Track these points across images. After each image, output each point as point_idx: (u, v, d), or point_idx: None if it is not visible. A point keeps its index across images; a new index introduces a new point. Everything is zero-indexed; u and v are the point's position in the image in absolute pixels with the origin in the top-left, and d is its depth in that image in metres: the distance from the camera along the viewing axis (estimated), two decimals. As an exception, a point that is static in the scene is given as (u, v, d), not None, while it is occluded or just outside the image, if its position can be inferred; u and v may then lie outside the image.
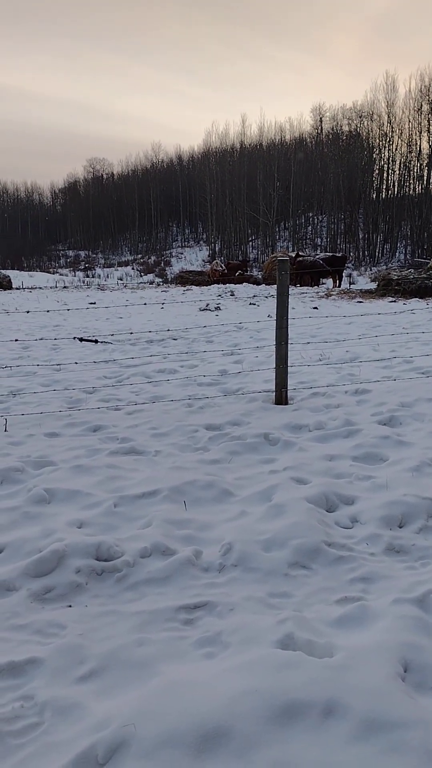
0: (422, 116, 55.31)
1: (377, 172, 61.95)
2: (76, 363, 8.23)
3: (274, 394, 5.86)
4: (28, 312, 7.95)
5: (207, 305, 16.15)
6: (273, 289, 23.41)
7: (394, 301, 17.13)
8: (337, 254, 27.59)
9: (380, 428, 4.72)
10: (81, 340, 10.51)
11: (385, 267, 41.93)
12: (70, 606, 2.56)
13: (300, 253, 27.74)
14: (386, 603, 2.42)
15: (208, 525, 3.23)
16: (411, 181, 58.11)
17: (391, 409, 5.19)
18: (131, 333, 11.77)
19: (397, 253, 55.14)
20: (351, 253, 59.45)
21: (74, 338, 10.34)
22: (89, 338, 10.62)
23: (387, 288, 19.68)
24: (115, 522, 3.24)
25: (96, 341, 10.58)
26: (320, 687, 1.91)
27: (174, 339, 11.38)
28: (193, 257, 79.81)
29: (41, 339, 10.37)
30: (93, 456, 4.30)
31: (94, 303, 10.77)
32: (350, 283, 34.28)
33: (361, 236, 61.32)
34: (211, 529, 3.18)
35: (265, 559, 2.83)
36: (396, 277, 19.71)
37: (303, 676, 1.96)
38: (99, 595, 2.64)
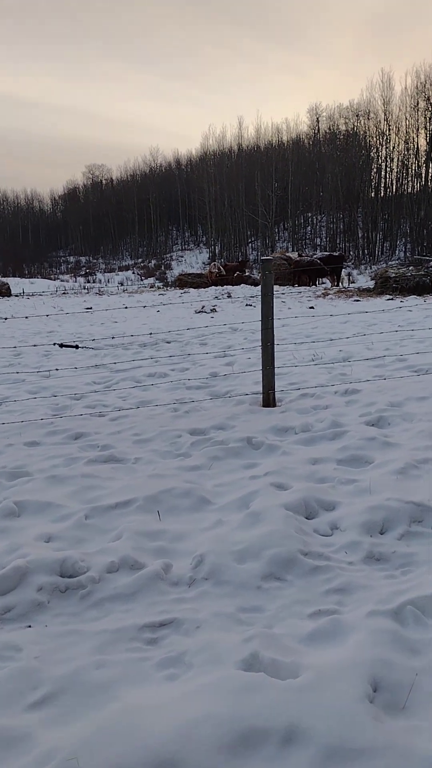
0: (419, 113, 55.15)
1: (375, 170, 61.77)
2: (65, 369, 8.12)
3: (261, 396, 5.74)
4: (26, 317, 7.83)
5: (203, 307, 16.04)
6: (271, 290, 23.29)
7: (392, 299, 16.99)
8: (335, 253, 27.45)
9: (368, 429, 4.59)
10: (61, 346, 10.41)
11: (385, 265, 41.70)
12: (30, 626, 2.43)
13: (300, 254, 27.59)
14: (361, 616, 2.29)
15: (182, 535, 3.10)
16: (409, 178, 57.92)
17: (380, 410, 5.06)
18: (124, 336, 11.67)
19: (396, 251, 54.95)
20: (351, 252, 59.27)
21: (54, 344, 10.23)
22: (70, 344, 10.51)
23: (385, 286, 19.53)
24: (84, 535, 3.12)
25: (77, 347, 10.47)
26: (280, 711, 1.79)
27: (167, 342, 11.27)
28: (193, 260, 79.80)
29: (34, 345, 10.27)
30: (70, 465, 4.18)
31: (91, 308, 10.66)
32: (351, 282, 34.13)
33: (360, 235, 61.15)
34: (184, 540, 3.06)
35: (237, 572, 2.71)
36: (393, 275, 19.56)
37: (263, 699, 1.84)
38: (61, 614, 2.52)
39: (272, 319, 5.66)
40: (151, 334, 11.77)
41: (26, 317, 6.73)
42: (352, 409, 5.25)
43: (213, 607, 2.49)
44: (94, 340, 9.25)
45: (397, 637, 2.15)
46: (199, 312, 15.79)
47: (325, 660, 2.04)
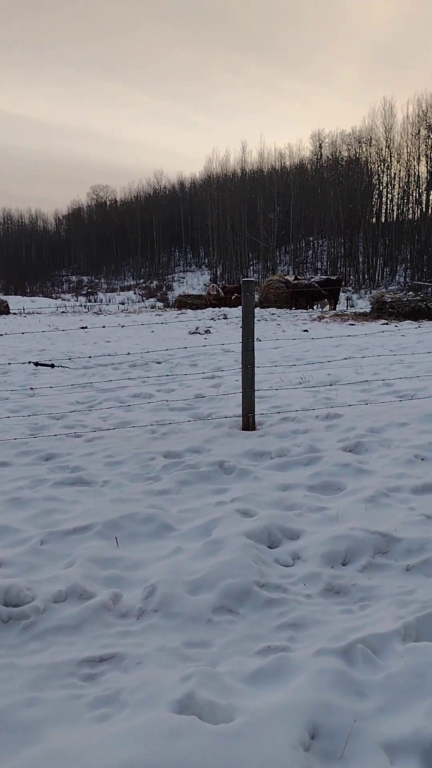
0: (420, 141, 55.77)
1: (376, 196, 62.32)
2: (50, 387, 8.05)
3: (241, 419, 5.65)
4: (23, 333, 7.77)
5: (197, 328, 16.01)
6: (268, 312, 23.32)
7: (387, 324, 16.96)
8: (332, 277, 27.53)
9: (344, 455, 4.49)
10: (36, 364, 10.35)
11: (384, 289, 41.79)
12: (-36, 658, 2.32)
13: (297, 277, 27.68)
14: (309, 654, 2.18)
15: (138, 564, 2.99)
16: (410, 204, 58.40)
17: (359, 435, 4.97)
18: (115, 356, 11.61)
19: (396, 276, 55.19)
20: (351, 277, 59.58)
21: (29, 362, 10.17)
22: (45, 363, 10.45)
23: (381, 311, 19.53)
24: (37, 561, 3.01)
25: (52, 365, 10.40)
26: (207, 760, 1.67)
27: (158, 362, 11.20)
28: (194, 281, 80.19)
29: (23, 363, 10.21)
30: (35, 487, 4.08)
31: (86, 327, 10.63)
32: (350, 306, 34.27)
33: (360, 260, 61.48)
34: (139, 569, 2.95)
35: (189, 603, 2.59)
36: (389, 300, 19.57)
37: (191, 746, 1.72)
38: (0, 646, 2.40)
39: (253, 341, 5.59)
40: (145, 354, 11.72)
41: (23, 333, 6.68)
42: (331, 434, 5.15)
43: (158, 641, 2.38)
44: (90, 358, 9.19)
45: (343, 679, 2.03)
46: (193, 333, 15.76)
47: (263, 702, 1.93)
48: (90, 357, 7.61)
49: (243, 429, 5.56)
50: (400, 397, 6.72)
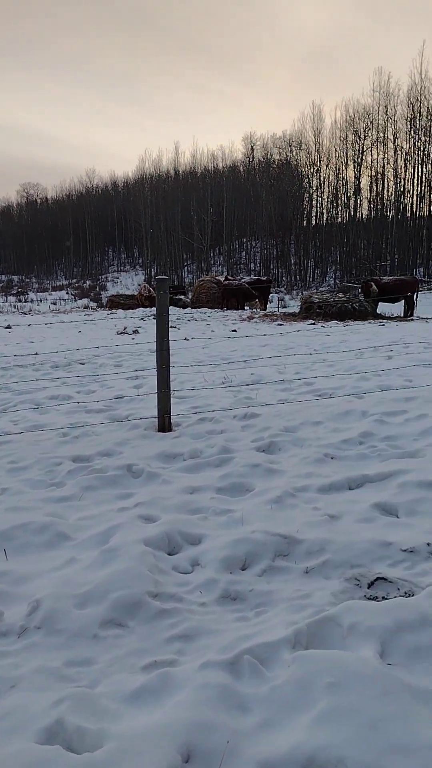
0: (348, 146, 57.13)
1: (307, 199, 63.42)
2: (-39, 391, 7.66)
3: (157, 420, 5.51)
4: None
5: (125, 328, 15.75)
6: (199, 313, 23.26)
7: (314, 324, 17.20)
8: (262, 278, 27.77)
9: (256, 455, 4.42)
10: None
11: (316, 290, 42.56)
12: None
13: (228, 277, 27.76)
14: (195, 668, 2.07)
15: (26, 577, 2.81)
16: (339, 208, 59.75)
17: (273, 434, 4.92)
18: (37, 356, 11.25)
19: (327, 278, 56.31)
20: (283, 278, 60.41)
21: None
22: None
23: (309, 311, 19.80)
24: None
25: None
26: (65, 796, 1.52)
27: (81, 363, 10.91)
28: (129, 281, 79.36)
29: None
30: None
31: (10, 327, 10.19)
32: (282, 306, 34.63)
33: (292, 261, 62.43)
34: (27, 583, 2.76)
35: (75, 618, 2.43)
36: (317, 301, 19.86)
37: (49, 781, 1.57)
38: None
39: (168, 340, 5.46)
40: (68, 354, 11.39)
41: None
42: (246, 434, 5.08)
43: (38, 660, 2.21)
44: (13, 357, 8.81)
45: (226, 693, 1.93)
46: (121, 333, 15.49)
47: (137, 725, 1.80)
48: (9, 356, 7.27)
49: (159, 430, 5.42)
50: (319, 396, 6.74)
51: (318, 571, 2.77)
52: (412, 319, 19.32)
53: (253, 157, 73.80)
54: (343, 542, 2.94)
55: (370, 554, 2.86)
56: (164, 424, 5.44)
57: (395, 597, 2.51)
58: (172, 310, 24.04)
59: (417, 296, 21.55)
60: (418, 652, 2.10)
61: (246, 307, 25.42)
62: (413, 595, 2.51)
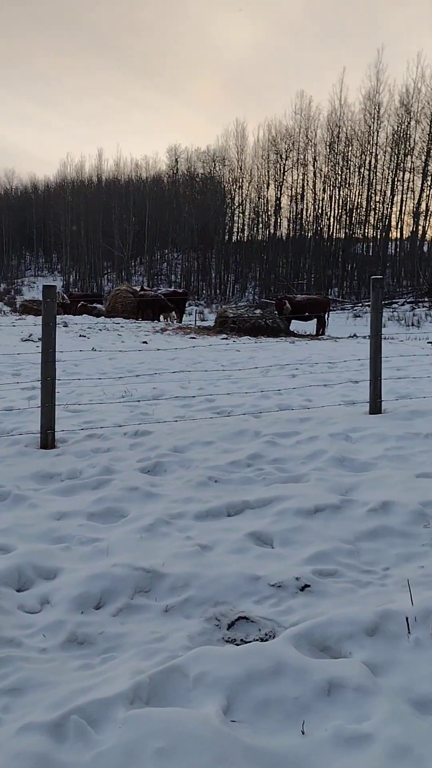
0: (270, 165, 58.30)
1: (229, 215, 64.18)
2: None
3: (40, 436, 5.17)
4: None
5: (30, 335, 15.14)
6: (112, 322, 22.81)
7: (226, 339, 17.21)
8: (179, 290, 27.70)
9: (138, 477, 4.19)
10: None
11: (235, 305, 42.89)
12: None
13: (144, 288, 27.48)
14: (12, 731, 1.80)
15: None
16: (260, 225, 60.83)
17: (161, 454, 4.70)
18: None
19: (246, 293, 57.04)
20: (204, 291, 60.70)
21: None
22: None
23: (223, 325, 19.84)
24: None
25: None
26: None
27: (-24, 372, 10.32)
28: (46, 287, 77.18)
29: None
30: None
31: None
32: (202, 319, 34.68)
33: (213, 275, 62.89)
34: None
35: None
36: (232, 315, 19.95)
37: None
38: None
39: (53, 351, 5.16)
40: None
41: None
42: (133, 453, 4.84)
43: None
44: None
45: (43, 764, 1.68)
46: (26, 340, 14.87)
47: None
48: None
49: (41, 447, 5.09)
50: (218, 413, 6.60)
51: (179, 610, 2.56)
52: (323, 338, 19.74)
53: (177, 170, 74.03)
54: (210, 577, 2.76)
55: (237, 590, 2.69)
56: (47, 440, 5.12)
57: (254, 640, 2.35)
58: (85, 318, 23.47)
59: (328, 315, 22.07)
60: (267, 706, 1.93)
61: (162, 319, 25.22)
62: (274, 637, 2.36)
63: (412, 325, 30.92)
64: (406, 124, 44.52)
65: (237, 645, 2.31)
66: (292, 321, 21.10)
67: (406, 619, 2.32)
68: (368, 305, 30.41)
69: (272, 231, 58.29)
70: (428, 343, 16.97)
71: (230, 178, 63.69)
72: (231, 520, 3.48)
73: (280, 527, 3.29)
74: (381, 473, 4.07)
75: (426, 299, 36.98)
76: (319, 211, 53.89)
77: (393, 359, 10.61)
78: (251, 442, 5.09)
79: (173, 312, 25.58)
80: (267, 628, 2.42)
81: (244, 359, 12.10)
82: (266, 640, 2.32)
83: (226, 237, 64.03)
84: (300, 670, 2.04)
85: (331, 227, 53.60)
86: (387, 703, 1.91)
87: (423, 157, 43.83)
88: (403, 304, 36.74)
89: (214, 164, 65.62)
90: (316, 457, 4.61)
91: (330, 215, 53.72)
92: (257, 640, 2.34)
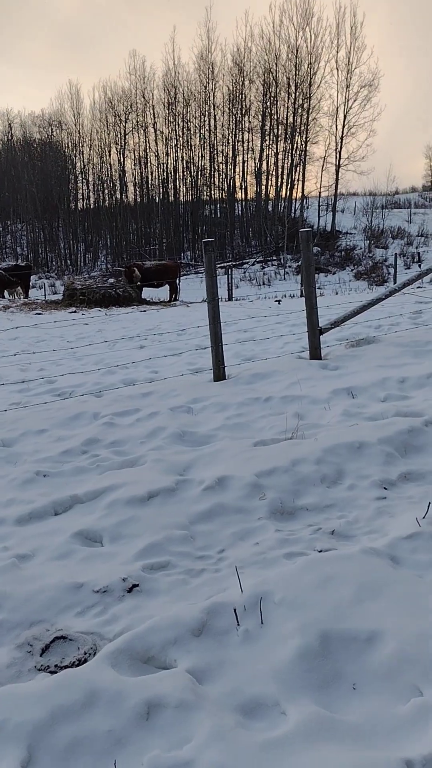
0: (110, 128, 56.44)
1: (73, 181, 61.59)
2: None
3: None
4: None
5: None
6: None
7: (75, 312, 16.50)
8: (21, 263, 26.19)
9: None
10: None
11: (87, 275, 41.47)
12: None
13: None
14: None
15: None
16: (106, 191, 59.04)
17: (-15, 451, 4.24)
18: None
19: (98, 263, 55.47)
20: (54, 262, 58.23)
21: None
22: None
23: (72, 298, 19.00)
24: None
25: None
26: None
27: None
28: None
29: None
30: None
31: None
32: (53, 293, 33.15)
33: (62, 245, 60.39)
34: None
35: None
36: (80, 287, 19.15)
37: None
38: None
39: None
40: None
41: None
42: None
43: None
44: None
45: None
46: None
47: None
48: None
49: None
50: (58, 395, 6.19)
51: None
52: (175, 304, 19.57)
53: (12, 135, 69.50)
54: (26, 593, 2.45)
55: (57, 604, 2.41)
56: None
57: (71, 663, 2.08)
58: None
59: (179, 281, 21.92)
60: (75, 749, 1.68)
61: (6, 296, 23.72)
62: (95, 654, 2.11)
63: (263, 284, 31.70)
64: (240, 83, 44.79)
65: (52, 672, 2.04)
66: (144, 288, 20.69)
67: (234, 610, 2.17)
68: (221, 267, 30.63)
69: (119, 197, 56.85)
70: (276, 301, 17.37)
71: (70, 143, 60.98)
72: (57, 519, 3.16)
73: (111, 521, 3.03)
74: (219, 446, 3.93)
75: (274, 258, 38.05)
76: (165, 175, 53.26)
77: (241, 322, 10.65)
78: (89, 425, 4.76)
79: (19, 287, 24.13)
80: (87, 645, 2.16)
81: (92, 333, 11.60)
82: (85, 661, 2.07)
83: (72, 205, 61.52)
84: (116, 696, 1.81)
85: (179, 191, 53.28)
86: (210, 718, 1.73)
87: (260, 117, 44.48)
88: (253, 264, 37.57)
89: (51, 129, 62.45)
90: (156, 434, 4.38)
91: (176, 178, 53.30)
92: (75, 662, 2.08)
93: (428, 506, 2.82)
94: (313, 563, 2.41)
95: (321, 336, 6.22)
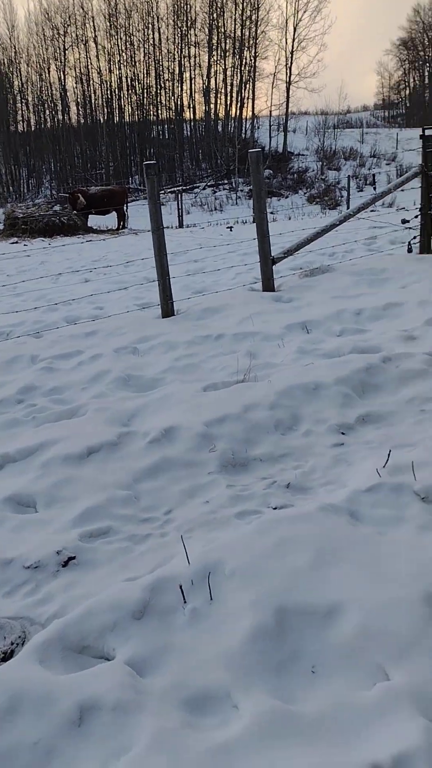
0: (48, 43, 52.48)
1: (11, 102, 57.61)
2: None
3: None
4: None
5: None
6: None
7: (17, 243, 15.62)
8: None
9: None
10: None
11: (32, 203, 39.40)
12: None
13: None
14: None
15: None
16: (47, 112, 55.50)
17: None
18: None
19: (42, 189, 52.77)
20: (-5, 190, 55.22)
21: None
22: None
23: (14, 227, 17.97)
24: None
25: None
26: None
27: None
28: None
29: None
30: None
31: None
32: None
33: (3, 171, 57.11)
34: None
35: None
36: (22, 215, 18.10)
37: None
38: None
39: None
40: None
41: None
42: None
43: None
44: None
45: None
46: None
47: None
48: None
49: None
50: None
51: None
52: (123, 232, 18.75)
53: None
54: None
55: (-18, 584, 2.14)
56: None
57: (-5, 656, 1.84)
58: None
59: (127, 207, 20.97)
60: (-6, 768, 1.45)
61: None
62: (24, 644, 1.87)
63: (215, 209, 30.72)
64: (185, -8, 41.88)
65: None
66: (90, 216, 19.71)
67: (180, 587, 1.94)
68: (171, 192, 29.37)
69: (61, 118, 53.60)
70: (227, 228, 16.79)
71: (5, 60, 56.57)
72: (-14, 483, 2.86)
73: (46, 483, 2.75)
74: (167, 391, 3.64)
75: (226, 181, 36.80)
76: (108, 94, 50.30)
77: (191, 251, 10.18)
78: (25, 370, 4.40)
79: None
80: (15, 633, 1.92)
81: (34, 265, 10.95)
82: (11, 654, 1.83)
83: (12, 127, 57.80)
84: (43, 699, 1.58)
85: (124, 111, 50.52)
86: (152, 719, 1.52)
87: (206, 30, 41.94)
88: (204, 188, 36.29)
89: (-18, 42, 57.65)
90: (99, 379, 4.07)
91: (120, 97, 50.42)
92: (1, 655, 1.84)
93: (388, 454, 2.63)
94: (268, 525, 2.20)
95: (274, 266, 5.90)
